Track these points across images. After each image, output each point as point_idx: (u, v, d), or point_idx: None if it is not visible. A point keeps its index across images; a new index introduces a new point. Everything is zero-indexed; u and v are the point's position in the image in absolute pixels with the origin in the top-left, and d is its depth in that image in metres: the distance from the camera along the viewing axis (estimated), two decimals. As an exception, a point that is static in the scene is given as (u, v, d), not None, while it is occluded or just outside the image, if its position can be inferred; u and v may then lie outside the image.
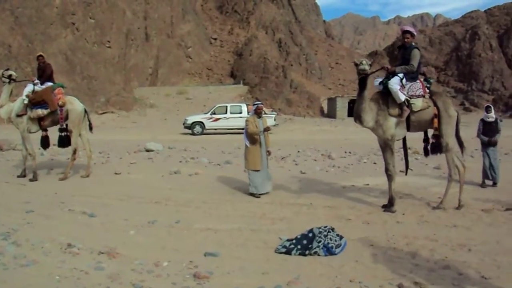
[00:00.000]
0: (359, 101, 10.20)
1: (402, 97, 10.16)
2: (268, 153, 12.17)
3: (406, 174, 11.60)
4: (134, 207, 10.80)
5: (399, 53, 10.74)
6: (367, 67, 9.78)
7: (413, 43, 10.61)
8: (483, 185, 13.34)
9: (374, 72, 10.49)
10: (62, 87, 14.52)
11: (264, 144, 12.14)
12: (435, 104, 10.59)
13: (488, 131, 13.62)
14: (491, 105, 14.07)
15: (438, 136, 10.69)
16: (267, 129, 12.00)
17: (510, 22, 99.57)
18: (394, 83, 10.18)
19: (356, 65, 9.95)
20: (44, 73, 14.36)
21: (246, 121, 12.21)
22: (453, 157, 10.85)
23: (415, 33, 10.71)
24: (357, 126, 11.53)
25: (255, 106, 12.37)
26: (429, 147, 11.08)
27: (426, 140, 11.46)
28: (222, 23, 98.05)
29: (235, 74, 79.46)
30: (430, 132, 11.07)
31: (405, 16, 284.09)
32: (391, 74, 10.38)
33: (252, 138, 12.00)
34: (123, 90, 62.73)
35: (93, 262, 6.83)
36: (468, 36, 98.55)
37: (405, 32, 10.74)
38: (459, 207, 10.54)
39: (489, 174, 13.37)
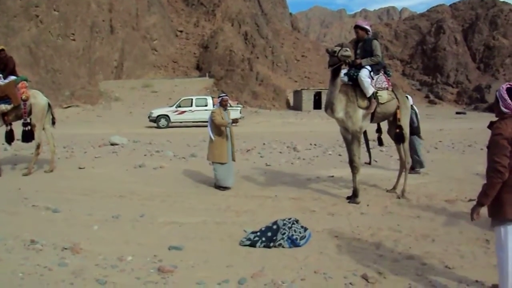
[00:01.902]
0: (332, 89, 10.12)
1: (371, 90, 10.25)
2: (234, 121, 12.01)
3: (370, 164, 11.68)
4: (98, 201, 10.67)
5: (358, 47, 10.77)
6: (349, 53, 9.61)
7: (371, 35, 10.69)
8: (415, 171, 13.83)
9: (343, 63, 10.49)
10: (26, 80, 14.29)
11: (230, 137, 12.10)
12: (396, 96, 10.77)
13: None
14: (407, 95, 14.43)
15: (401, 127, 10.84)
16: (235, 121, 11.96)
17: (475, 16, 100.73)
18: (365, 76, 10.23)
19: (334, 52, 9.73)
20: (7, 67, 14.08)
21: (212, 112, 12.06)
22: (408, 146, 11.10)
23: (367, 27, 10.74)
24: (323, 118, 11.62)
25: (221, 98, 12.34)
26: (393, 137, 11.28)
27: (379, 130, 11.72)
28: (188, 15, 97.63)
29: (201, 67, 79.28)
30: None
31: (371, 10, 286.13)
32: (357, 67, 10.43)
33: (218, 130, 11.92)
34: (88, 83, 62.26)
35: (56, 258, 6.76)
36: (433, 30, 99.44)
37: (355, 27, 10.84)
38: (403, 196, 10.79)
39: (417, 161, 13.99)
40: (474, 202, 5.17)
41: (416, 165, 13.79)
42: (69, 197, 11.08)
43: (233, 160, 12.26)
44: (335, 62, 9.80)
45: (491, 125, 5.12)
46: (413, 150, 13.66)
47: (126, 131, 31.01)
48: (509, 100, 4.92)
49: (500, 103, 5.02)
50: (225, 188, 11.92)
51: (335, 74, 9.98)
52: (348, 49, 9.61)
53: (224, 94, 12.58)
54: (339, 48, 9.69)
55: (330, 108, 10.31)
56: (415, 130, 13.81)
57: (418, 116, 14.28)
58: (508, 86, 5.02)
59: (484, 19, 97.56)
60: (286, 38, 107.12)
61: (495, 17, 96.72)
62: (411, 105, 13.47)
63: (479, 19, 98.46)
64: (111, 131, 30.17)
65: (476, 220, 5.15)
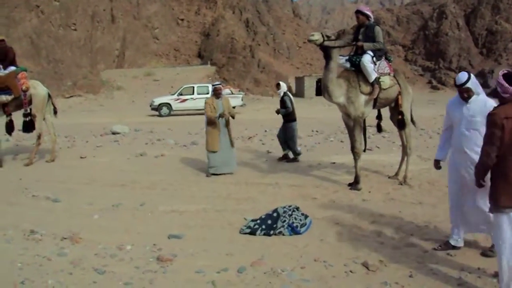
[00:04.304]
0: (325, 73, 10.17)
1: (374, 76, 10.19)
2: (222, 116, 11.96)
3: (364, 151, 11.66)
4: (99, 191, 10.68)
5: (360, 33, 10.71)
6: (316, 37, 9.76)
7: (372, 21, 10.64)
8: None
9: (343, 46, 10.49)
10: (25, 71, 14.25)
11: (224, 126, 12.08)
12: (398, 82, 10.73)
13: (281, 107, 14.03)
14: (279, 82, 14.44)
15: (402, 113, 10.80)
16: (222, 115, 11.86)
17: (477, 1, 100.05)
18: (368, 61, 10.17)
19: (309, 41, 9.99)
20: (7, 58, 14.02)
21: (205, 103, 12.15)
22: (410, 132, 11.03)
23: (368, 13, 10.67)
24: (325, 104, 11.59)
25: (214, 87, 12.31)
26: (396, 124, 11.25)
27: (379, 117, 11.71)
28: (189, 3, 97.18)
29: (202, 55, 78.96)
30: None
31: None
32: (359, 50, 10.38)
33: (210, 119, 11.93)
34: (90, 73, 61.98)
35: (56, 248, 6.78)
36: (436, 15, 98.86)
37: (356, 12, 10.84)
38: (405, 182, 10.74)
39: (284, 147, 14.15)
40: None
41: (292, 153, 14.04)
42: (70, 186, 11.09)
43: (233, 147, 12.26)
44: (319, 47, 10.02)
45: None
46: (290, 138, 13.86)
47: (128, 120, 30.90)
48: (506, 85, 4.92)
49: (498, 88, 5.04)
50: (211, 174, 12.05)
51: (326, 57, 10.10)
52: (314, 33, 9.85)
53: (217, 83, 12.59)
54: (311, 35, 9.94)
55: (326, 92, 10.29)
56: (291, 116, 13.97)
57: (293, 101, 14.26)
58: (505, 72, 5.03)
59: (486, 4, 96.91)
60: (288, 25, 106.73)
61: (498, 1, 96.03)
62: (285, 92, 13.86)
63: (481, 3, 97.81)
64: (113, 120, 30.11)
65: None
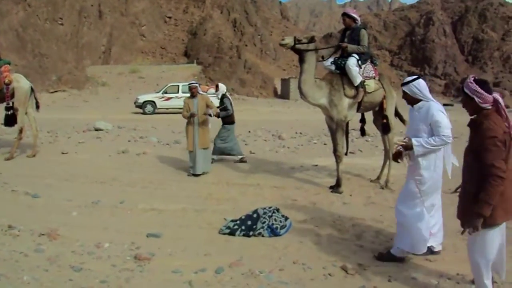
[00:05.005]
0: (299, 75, 10.26)
1: (359, 79, 10.19)
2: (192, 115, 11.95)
3: (346, 154, 11.64)
4: (79, 187, 10.60)
5: (346, 36, 10.72)
6: (286, 41, 9.97)
7: (359, 24, 10.64)
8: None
9: (321, 49, 10.88)
10: (9, 64, 14.13)
11: (198, 125, 12.02)
12: (382, 86, 10.75)
13: (222, 109, 13.89)
14: (218, 84, 14.47)
15: (387, 117, 10.82)
16: (193, 115, 11.82)
17: (464, 9, 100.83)
18: (353, 64, 10.15)
19: (280, 45, 10.24)
20: (-10, 51, 13.94)
21: (183, 102, 12.23)
22: (393, 137, 11.03)
23: (355, 15, 10.65)
24: (310, 107, 11.58)
25: (189, 85, 12.30)
26: (380, 128, 11.28)
27: (363, 120, 11.73)
28: (177, 1, 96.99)
29: (189, 54, 78.83)
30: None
31: (361, 0, 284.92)
32: (344, 52, 10.39)
33: (187, 119, 12.01)
34: (75, 68, 61.67)
35: (33, 244, 6.69)
36: (423, 22, 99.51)
37: (343, 14, 10.82)
38: (386, 186, 10.79)
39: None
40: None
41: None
42: (50, 182, 11.00)
43: (204, 147, 12.16)
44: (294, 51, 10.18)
45: (473, 124, 4.94)
46: (231, 140, 13.92)
47: (112, 116, 30.77)
48: (486, 93, 4.76)
49: (476, 99, 4.80)
50: (192, 175, 12.01)
51: (300, 61, 10.20)
52: (285, 38, 10.22)
53: (193, 82, 12.51)
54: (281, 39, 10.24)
55: (301, 94, 10.34)
56: (231, 118, 13.98)
57: (233, 104, 14.26)
58: (474, 78, 4.90)
59: (473, 12, 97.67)
60: (275, 26, 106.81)
61: (485, 10, 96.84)
62: (224, 94, 13.95)
63: (468, 12, 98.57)
64: (97, 116, 29.93)
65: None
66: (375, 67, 10.78)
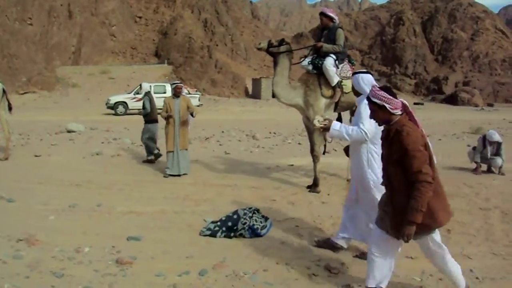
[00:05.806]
0: (273, 76, 10.44)
1: (336, 79, 10.22)
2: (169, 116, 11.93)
3: (323, 154, 11.65)
4: (54, 190, 10.43)
5: (323, 35, 10.73)
6: (262, 45, 10.39)
7: (336, 24, 10.65)
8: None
9: (294, 50, 10.89)
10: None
11: (178, 126, 11.94)
12: None
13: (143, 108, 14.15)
14: (141, 83, 14.58)
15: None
16: (169, 116, 11.80)
17: (434, 9, 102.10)
18: (330, 64, 10.16)
19: (258, 49, 10.62)
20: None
21: (163, 102, 12.17)
22: None
23: (332, 15, 10.68)
24: (282, 106, 11.59)
25: (174, 85, 12.23)
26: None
27: (339, 120, 11.74)
28: (147, 1, 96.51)
29: (159, 54, 78.55)
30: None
31: (331, 0, 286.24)
32: (319, 51, 10.40)
33: (167, 119, 11.96)
34: (45, 69, 61.10)
35: (11, 250, 6.55)
36: (393, 21, 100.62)
37: (320, 14, 10.88)
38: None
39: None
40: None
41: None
42: (24, 186, 10.81)
43: (184, 148, 12.11)
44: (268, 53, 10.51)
45: (388, 134, 4.84)
46: (150, 138, 14.05)
47: (84, 118, 30.55)
48: (394, 98, 4.74)
49: (387, 106, 4.72)
50: (168, 175, 11.94)
51: (274, 63, 10.46)
52: (261, 42, 10.60)
53: (178, 82, 12.52)
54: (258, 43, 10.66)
55: (274, 94, 10.51)
56: (151, 117, 14.16)
57: (154, 102, 14.31)
58: (378, 86, 4.94)
59: (443, 12, 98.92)
60: (246, 26, 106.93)
61: (454, 10, 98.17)
62: (147, 92, 14.16)
63: (438, 12, 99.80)
64: (68, 118, 29.67)
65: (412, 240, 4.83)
66: (353, 67, 10.79)
